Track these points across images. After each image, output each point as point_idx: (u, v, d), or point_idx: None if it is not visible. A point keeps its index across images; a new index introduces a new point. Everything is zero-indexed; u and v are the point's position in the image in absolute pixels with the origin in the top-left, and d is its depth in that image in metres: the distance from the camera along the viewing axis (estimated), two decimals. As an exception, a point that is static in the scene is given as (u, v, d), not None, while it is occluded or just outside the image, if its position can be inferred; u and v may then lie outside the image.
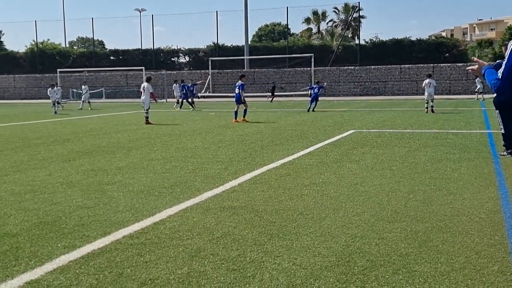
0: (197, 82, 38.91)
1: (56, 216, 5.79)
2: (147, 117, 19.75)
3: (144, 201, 6.46)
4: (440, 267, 4.10)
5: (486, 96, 32.96)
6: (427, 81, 23.08)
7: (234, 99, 20.54)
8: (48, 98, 39.85)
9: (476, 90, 34.43)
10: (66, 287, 3.81)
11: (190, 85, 32.44)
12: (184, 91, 30.92)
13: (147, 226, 5.33)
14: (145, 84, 20.57)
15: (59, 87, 30.84)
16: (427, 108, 22.82)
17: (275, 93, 40.92)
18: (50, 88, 30.10)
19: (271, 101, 39.18)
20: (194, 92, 33.10)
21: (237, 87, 20.11)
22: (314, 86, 27.12)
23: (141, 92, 20.87)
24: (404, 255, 4.37)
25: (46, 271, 4.11)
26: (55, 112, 28.12)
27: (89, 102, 34.48)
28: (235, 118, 19.77)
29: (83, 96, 34.62)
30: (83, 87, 35.53)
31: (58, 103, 29.62)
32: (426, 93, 22.89)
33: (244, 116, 19.69)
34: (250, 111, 26.72)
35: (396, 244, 4.63)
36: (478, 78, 33.81)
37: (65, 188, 7.38)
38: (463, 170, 8.29)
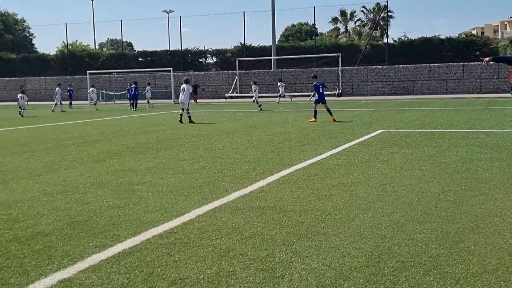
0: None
1: (88, 216, 5.88)
2: (189, 117, 20.75)
3: (173, 201, 6.52)
4: (472, 268, 4.04)
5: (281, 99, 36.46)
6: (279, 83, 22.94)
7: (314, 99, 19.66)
8: (86, 99, 40.25)
9: (279, 94, 36.30)
10: (98, 286, 3.86)
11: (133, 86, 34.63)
12: (132, 92, 33.93)
13: (176, 226, 5.38)
14: (184, 85, 21.30)
15: (24, 95, 30.00)
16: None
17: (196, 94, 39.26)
18: (20, 94, 29.81)
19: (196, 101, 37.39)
20: (136, 93, 34.41)
21: (319, 86, 19.42)
22: None
23: (181, 92, 21.42)
24: (435, 256, 4.32)
25: (78, 270, 4.18)
26: (22, 115, 27.92)
27: (61, 103, 34.31)
28: (315, 118, 19.27)
29: (56, 99, 34.36)
30: (56, 89, 35.14)
31: (25, 109, 29.08)
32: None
33: (332, 115, 19.23)
34: (277, 111, 26.73)
35: (426, 245, 4.58)
36: (281, 83, 36.61)
37: (95, 188, 7.50)
38: (495, 170, 8.15)
